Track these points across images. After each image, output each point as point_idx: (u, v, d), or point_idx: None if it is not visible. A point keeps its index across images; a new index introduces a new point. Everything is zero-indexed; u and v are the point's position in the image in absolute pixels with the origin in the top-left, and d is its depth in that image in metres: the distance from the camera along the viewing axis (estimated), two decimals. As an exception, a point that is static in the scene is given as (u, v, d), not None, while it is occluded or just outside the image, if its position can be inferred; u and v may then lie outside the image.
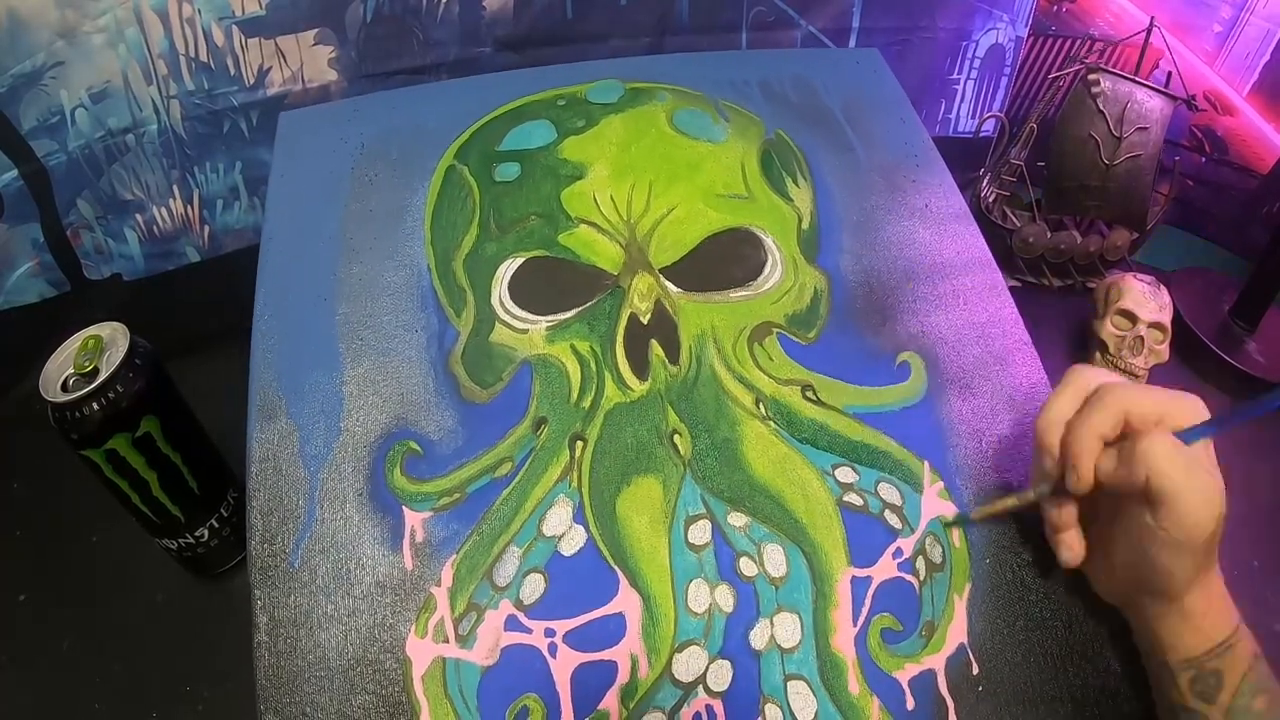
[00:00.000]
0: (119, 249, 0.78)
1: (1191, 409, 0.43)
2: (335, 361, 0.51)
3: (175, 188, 0.77)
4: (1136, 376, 0.85)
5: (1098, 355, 0.87)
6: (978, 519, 0.48)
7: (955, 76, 1.01)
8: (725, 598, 0.44)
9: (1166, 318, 0.85)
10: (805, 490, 0.47)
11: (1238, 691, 0.44)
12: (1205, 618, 0.44)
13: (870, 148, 0.65)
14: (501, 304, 0.53)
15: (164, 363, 0.57)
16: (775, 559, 0.45)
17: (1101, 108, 0.90)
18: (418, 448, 0.47)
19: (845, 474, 0.48)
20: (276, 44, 0.74)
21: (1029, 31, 1.01)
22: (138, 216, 0.77)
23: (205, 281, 0.81)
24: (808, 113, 0.67)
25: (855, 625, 0.44)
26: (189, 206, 0.79)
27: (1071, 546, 0.46)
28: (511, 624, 0.42)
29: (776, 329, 0.53)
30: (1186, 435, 0.42)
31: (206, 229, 0.81)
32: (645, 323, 0.53)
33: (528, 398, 0.49)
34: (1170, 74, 0.93)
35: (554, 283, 0.55)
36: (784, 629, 0.43)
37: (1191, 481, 0.41)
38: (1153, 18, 0.92)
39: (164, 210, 0.78)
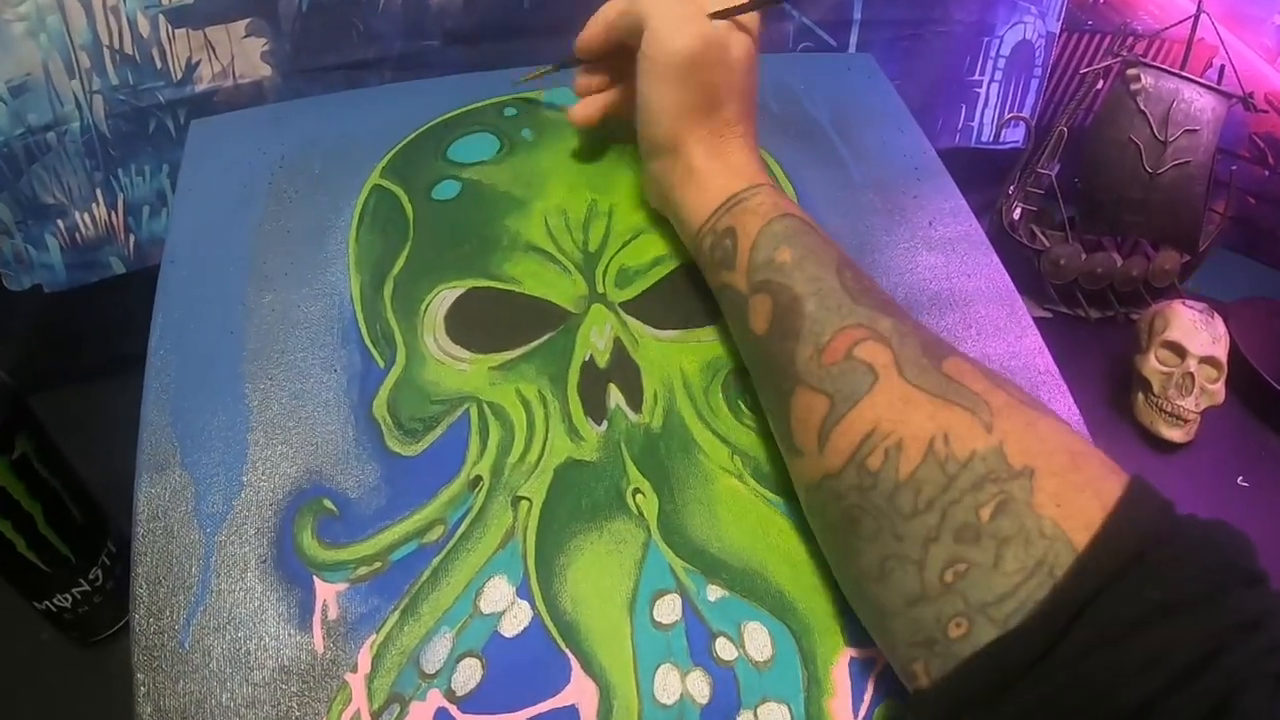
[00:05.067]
0: (40, 257, 0.80)
1: None
2: (240, 404, 0.50)
3: (98, 191, 0.79)
4: (1186, 421, 0.85)
5: (1140, 397, 0.87)
6: (523, 80, 0.65)
7: (977, 78, 1.01)
8: (699, 686, 0.43)
9: (1221, 352, 0.85)
10: (792, 558, 0.46)
11: (755, 245, 0.47)
12: (712, 176, 0.51)
13: (863, 162, 0.66)
14: (436, 341, 0.53)
15: (25, 398, 0.60)
16: (758, 640, 0.44)
17: (1143, 107, 0.91)
18: (333, 507, 0.47)
19: (839, 538, 0.47)
20: (205, 35, 0.76)
21: (1061, 27, 1.02)
22: (59, 222, 0.79)
23: (130, 296, 0.83)
24: (791, 124, 0.67)
25: (856, 717, 0.43)
26: (113, 213, 0.81)
27: (582, 107, 0.60)
28: (442, 718, 0.41)
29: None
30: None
31: (132, 238, 0.83)
32: (602, 366, 0.52)
33: (464, 450, 0.49)
34: (1224, 68, 0.94)
35: (497, 317, 0.54)
36: (770, 723, 0.43)
37: (668, 7, 0.51)
38: (1200, 3, 0.92)
39: (86, 216, 0.80)
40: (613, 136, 0.64)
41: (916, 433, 0.37)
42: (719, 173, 0.51)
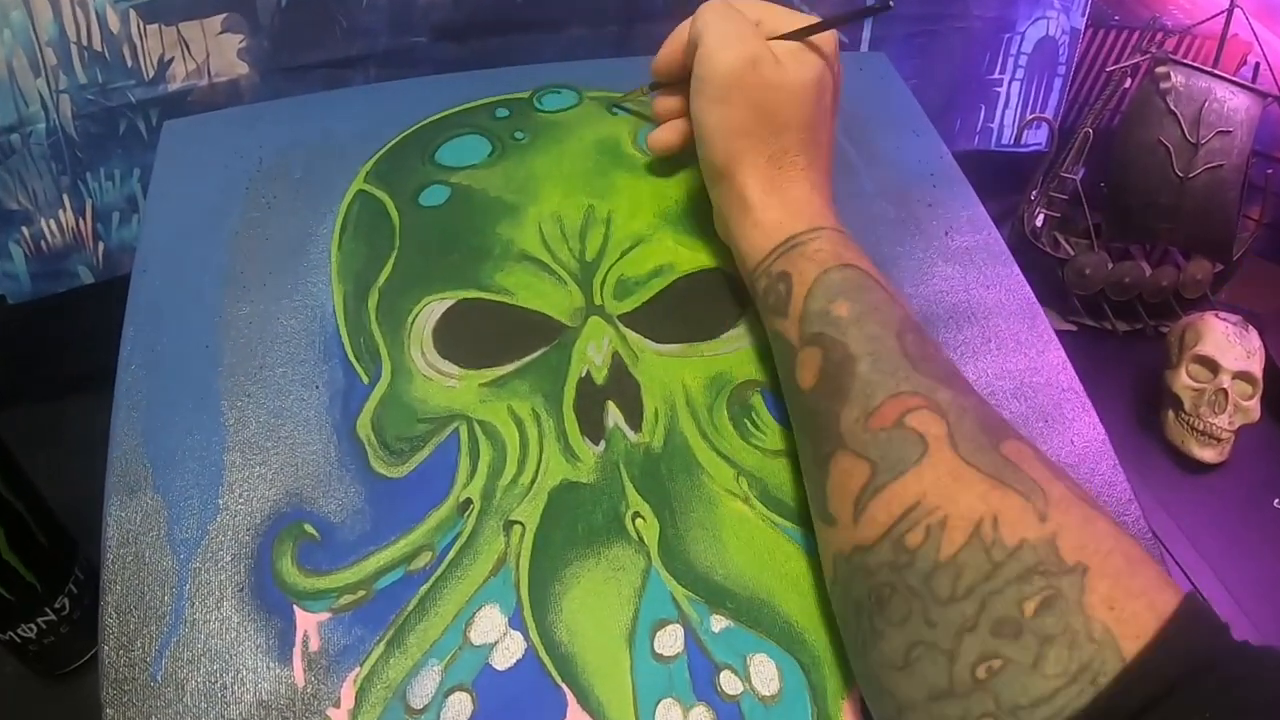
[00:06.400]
0: (3, 267, 0.80)
1: (788, 18, 0.54)
2: (216, 423, 0.50)
3: (65, 197, 0.79)
4: (1219, 440, 0.85)
5: (1170, 415, 0.87)
6: (616, 104, 0.68)
7: (997, 77, 1.02)
8: (702, 722, 0.43)
9: (1256, 367, 0.85)
10: (801, 586, 0.47)
11: (810, 294, 0.46)
12: (767, 211, 0.51)
13: (876, 167, 0.66)
14: (423, 355, 0.53)
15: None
16: (765, 673, 0.44)
17: (1173, 107, 0.91)
18: (314, 532, 0.47)
19: (851, 565, 0.48)
20: (179, 31, 0.76)
21: (1087, 22, 1.02)
22: (24, 229, 0.79)
23: (99, 308, 0.83)
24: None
25: (867, 755, 0.43)
26: (80, 219, 0.80)
27: (661, 131, 0.61)
28: (429, 756, 0.42)
29: (762, 388, 0.53)
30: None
31: (100, 246, 0.83)
32: (600, 382, 0.53)
33: (453, 472, 0.49)
34: (1259, 65, 0.94)
35: (488, 331, 0.55)
36: (777, 761, 0.43)
37: (721, 23, 0.52)
38: (1234, -1, 0.92)
39: (53, 223, 0.80)
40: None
41: (964, 513, 0.36)
42: (775, 208, 0.51)
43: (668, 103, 0.60)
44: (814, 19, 0.54)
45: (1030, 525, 0.35)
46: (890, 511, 0.38)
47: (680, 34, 0.57)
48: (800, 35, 0.53)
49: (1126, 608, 0.32)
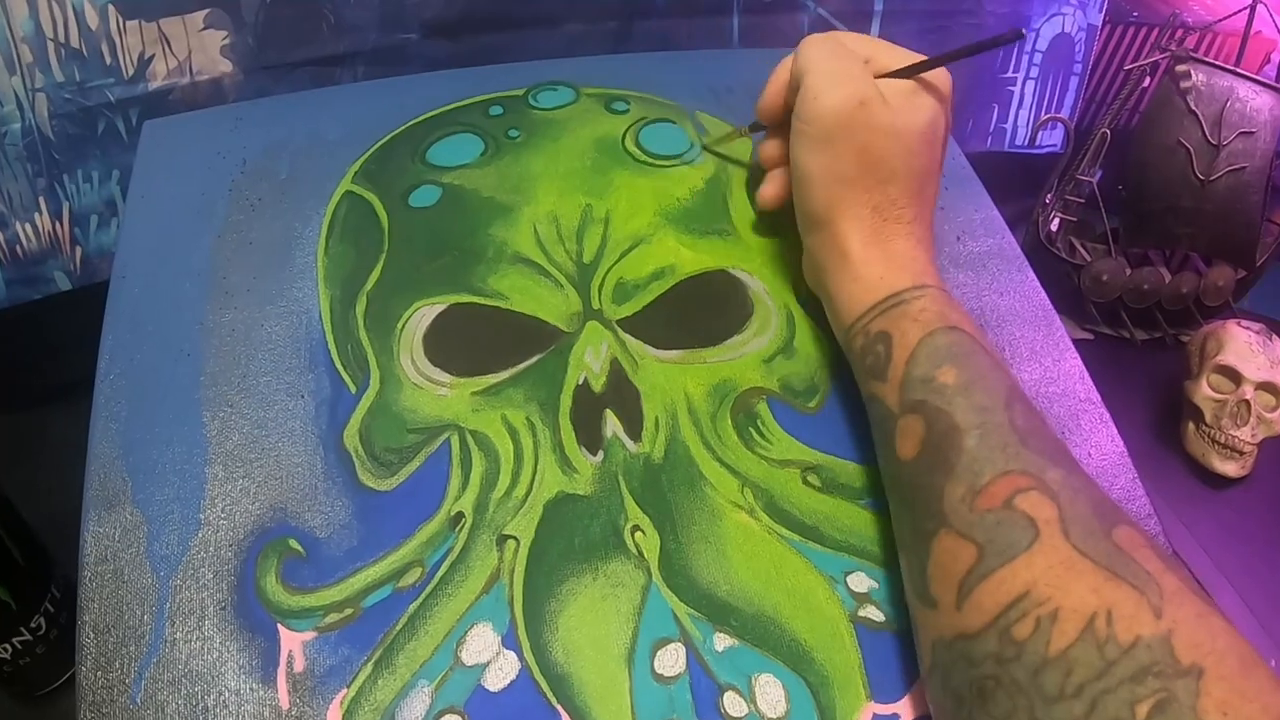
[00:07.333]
0: None
1: (899, 55, 0.53)
2: (197, 434, 0.50)
3: (41, 200, 0.79)
4: (1241, 453, 0.85)
5: (1191, 427, 0.87)
6: (708, 146, 0.66)
7: (1011, 75, 1.02)
8: (705, 746, 0.43)
9: (1280, 377, 0.85)
10: (808, 603, 0.46)
11: (912, 358, 0.45)
12: (868, 265, 0.50)
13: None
14: (413, 363, 0.53)
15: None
16: (771, 694, 0.44)
17: (1194, 107, 0.91)
18: (299, 548, 0.47)
19: (860, 581, 0.47)
20: (160, 27, 0.76)
21: (1104, 18, 1.02)
22: None
23: (76, 315, 0.83)
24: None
25: (879, 779, 0.43)
26: (57, 223, 0.81)
27: (770, 185, 0.58)
28: (419, 781, 0.41)
29: (768, 396, 0.53)
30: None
31: (78, 251, 0.83)
32: (598, 390, 0.53)
33: (444, 484, 0.49)
34: (1283, 64, 0.94)
35: (481, 337, 0.55)
36: (784, 786, 0.42)
37: (826, 60, 0.51)
38: (1257, -9, 0.92)
39: (28, 227, 0.79)
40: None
41: (1076, 605, 0.35)
42: (877, 262, 0.50)
43: (773, 148, 0.58)
44: (923, 57, 0.52)
45: (1145, 622, 0.34)
46: (997, 599, 0.37)
47: (782, 71, 0.56)
48: (912, 72, 0.52)
49: (1241, 712, 0.32)
